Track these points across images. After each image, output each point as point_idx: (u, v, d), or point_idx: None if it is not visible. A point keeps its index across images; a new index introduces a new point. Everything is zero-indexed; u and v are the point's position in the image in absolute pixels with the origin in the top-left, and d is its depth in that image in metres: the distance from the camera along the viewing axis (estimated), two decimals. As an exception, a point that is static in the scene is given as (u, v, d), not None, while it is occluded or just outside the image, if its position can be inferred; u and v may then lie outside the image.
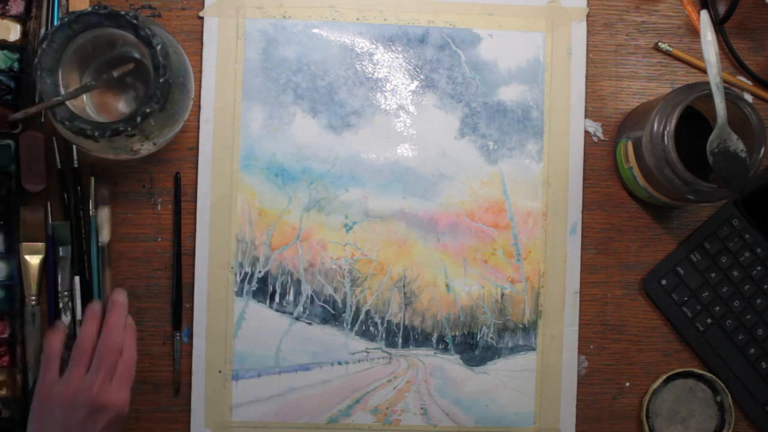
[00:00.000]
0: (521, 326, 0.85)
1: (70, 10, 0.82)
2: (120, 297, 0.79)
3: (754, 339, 0.86)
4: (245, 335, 0.84)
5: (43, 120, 0.82)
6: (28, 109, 0.73)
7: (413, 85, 0.86)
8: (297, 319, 0.84)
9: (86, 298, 0.82)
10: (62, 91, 0.73)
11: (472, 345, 0.85)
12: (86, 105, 0.79)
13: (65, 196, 0.82)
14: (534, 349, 0.85)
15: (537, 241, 0.85)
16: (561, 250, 0.86)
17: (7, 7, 0.81)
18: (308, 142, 0.85)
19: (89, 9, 0.72)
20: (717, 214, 0.87)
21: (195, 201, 0.84)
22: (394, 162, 0.85)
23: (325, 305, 0.84)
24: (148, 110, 0.72)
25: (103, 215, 0.82)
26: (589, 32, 0.87)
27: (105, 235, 0.82)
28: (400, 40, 0.86)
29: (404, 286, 0.85)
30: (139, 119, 0.71)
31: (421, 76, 0.86)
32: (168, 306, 0.84)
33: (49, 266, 0.82)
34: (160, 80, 0.72)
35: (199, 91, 0.84)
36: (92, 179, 0.82)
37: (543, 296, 0.85)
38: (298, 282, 0.84)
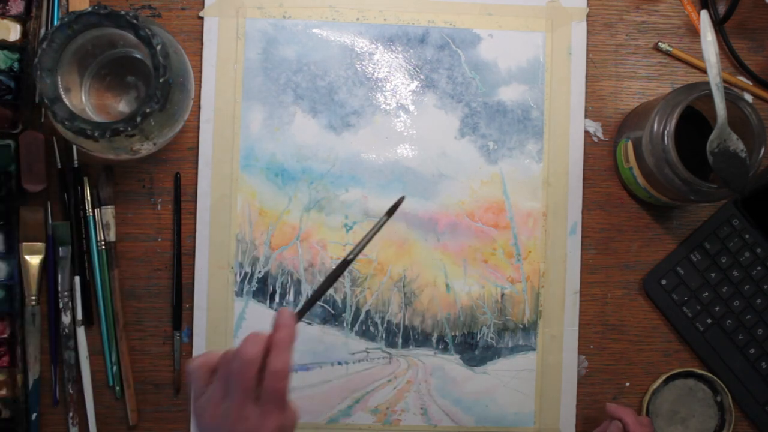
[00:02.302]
0: (521, 326, 0.85)
1: (70, 10, 0.82)
2: (288, 319, 0.66)
3: (754, 339, 0.86)
4: (245, 335, 0.83)
5: (43, 120, 0.82)
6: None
7: (413, 85, 0.86)
8: (297, 319, 0.84)
9: (86, 298, 0.82)
10: (62, 91, 0.73)
11: (472, 345, 0.85)
12: (86, 105, 0.79)
13: (65, 196, 0.82)
14: (534, 349, 0.85)
15: (537, 241, 0.85)
16: (561, 250, 0.86)
17: (7, 7, 0.81)
18: (308, 142, 0.85)
19: (89, 9, 0.72)
20: (717, 214, 0.87)
21: (195, 201, 0.84)
22: (394, 162, 0.85)
23: (325, 305, 0.84)
24: (148, 110, 0.72)
25: (110, 214, 0.82)
26: (589, 32, 0.87)
27: (112, 234, 0.82)
28: (400, 40, 0.86)
29: (404, 286, 0.85)
30: (139, 119, 0.72)
31: (421, 76, 0.86)
32: (168, 306, 0.84)
33: (49, 266, 0.82)
34: (160, 80, 0.72)
35: (199, 91, 0.84)
36: (86, 179, 0.82)
37: (543, 296, 0.85)
38: (298, 282, 0.84)
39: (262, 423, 0.62)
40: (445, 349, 0.85)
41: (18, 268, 0.81)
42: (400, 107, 0.85)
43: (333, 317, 0.84)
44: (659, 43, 0.87)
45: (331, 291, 0.84)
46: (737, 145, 0.75)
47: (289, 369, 0.64)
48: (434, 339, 0.85)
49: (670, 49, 0.87)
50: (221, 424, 0.63)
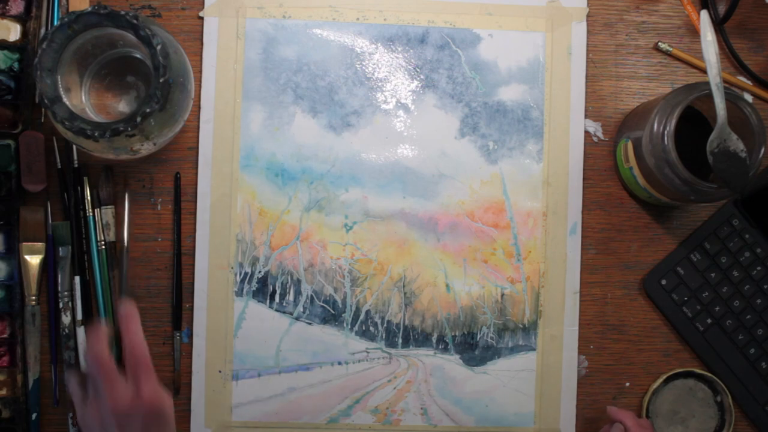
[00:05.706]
0: (521, 326, 0.85)
1: (70, 10, 0.82)
2: (131, 309, 0.73)
3: (754, 339, 0.86)
4: (245, 335, 0.84)
5: (43, 120, 0.82)
6: None
7: (413, 85, 0.86)
8: (297, 319, 0.84)
9: (86, 298, 0.82)
10: (62, 91, 0.73)
11: (472, 345, 0.85)
12: (86, 105, 0.79)
13: (65, 196, 0.82)
14: (534, 349, 0.85)
15: (537, 241, 0.85)
16: (561, 250, 0.86)
17: (7, 7, 0.81)
18: (308, 142, 0.85)
19: (89, 9, 0.72)
20: (717, 214, 0.87)
21: (195, 201, 0.84)
22: (394, 162, 0.85)
23: (325, 305, 0.85)
24: (148, 110, 0.72)
25: (110, 214, 0.82)
26: (589, 32, 0.87)
27: (112, 234, 0.82)
28: (400, 40, 0.86)
29: (404, 286, 0.85)
30: (139, 119, 0.72)
31: (421, 76, 0.86)
32: (168, 306, 0.84)
33: (49, 266, 0.82)
34: (160, 80, 0.72)
35: (199, 91, 0.84)
36: (86, 179, 0.82)
37: (543, 296, 0.85)
38: (298, 282, 0.84)
39: (139, 391, 0.68)
40: (445, 349, 0.85)
41: (18, 268, 0.81)
42: (400, 107, 0.85)
43: (333, 317, 0.84)
44: (659, 43, 0.87)
45: (331, 291, 0.85)
46: (737, 145, 0.75)
47: (142, 336, 0.70)
48: (434, 339, 0.85)
49: (670, 49, 0.87)
50: (104, 415, 0.68)
